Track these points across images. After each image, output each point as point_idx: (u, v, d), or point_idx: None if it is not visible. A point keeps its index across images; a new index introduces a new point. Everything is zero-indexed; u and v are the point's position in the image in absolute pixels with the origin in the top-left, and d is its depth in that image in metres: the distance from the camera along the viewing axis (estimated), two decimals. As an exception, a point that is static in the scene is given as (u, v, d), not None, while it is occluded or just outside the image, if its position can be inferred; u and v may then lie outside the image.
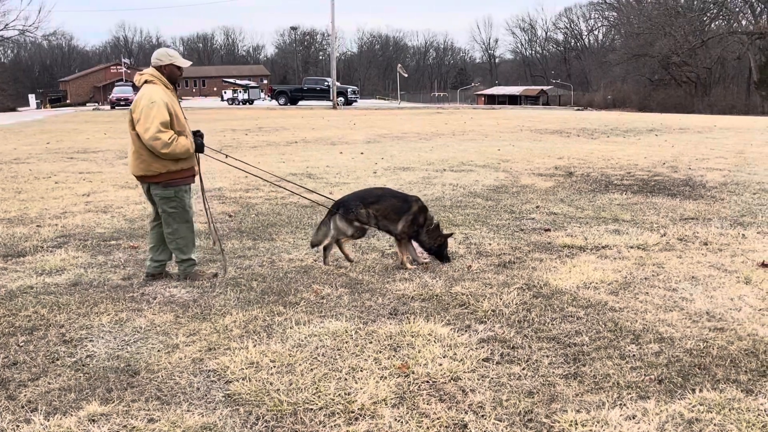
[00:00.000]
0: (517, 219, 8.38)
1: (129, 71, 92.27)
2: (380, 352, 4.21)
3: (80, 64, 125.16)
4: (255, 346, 4.28)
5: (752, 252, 6.56)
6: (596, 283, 5.58)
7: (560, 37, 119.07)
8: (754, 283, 5.53)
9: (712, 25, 70.47)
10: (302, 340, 4.39)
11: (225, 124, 30.41)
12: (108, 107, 55.46)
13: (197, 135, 5.75)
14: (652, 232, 7.51)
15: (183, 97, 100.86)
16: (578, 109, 61.63)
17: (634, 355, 4.12)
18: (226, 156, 6.55)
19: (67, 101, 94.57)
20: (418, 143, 19.69)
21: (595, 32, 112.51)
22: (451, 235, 6.57)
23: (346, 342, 4.36)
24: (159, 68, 5.60)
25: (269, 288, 5.53)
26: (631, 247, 6.83)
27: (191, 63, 6.25)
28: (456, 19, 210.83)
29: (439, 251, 6.37)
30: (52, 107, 69.18)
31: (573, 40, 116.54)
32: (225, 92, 67.73)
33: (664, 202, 9.42)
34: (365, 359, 4.09)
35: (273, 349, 4.23)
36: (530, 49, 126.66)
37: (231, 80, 73.64)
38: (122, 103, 53.73)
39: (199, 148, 5.74)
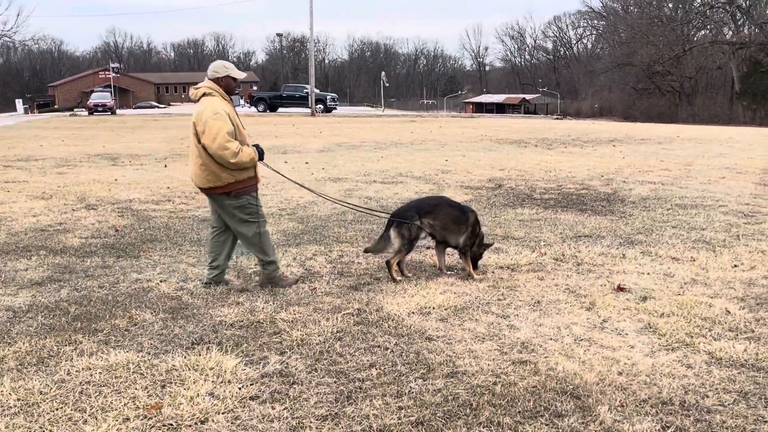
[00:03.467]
0: (408, 235, 8.08)
1: (117, 76, 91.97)
2: (146, 388, 3.91)
3: (70, 69, 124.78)
4: (12, 381, 3.97)
5: (620, 274, 6.29)
6: (432, 308, 5.29)
7: (549, 45, 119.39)
8: (595, 310, 5.26)
9: (696, 36, 70.41)
10: (71, 375, 4.09)
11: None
12: (86, 113, 54.86)
13: (256, 146, 5.81)
14: (533, 251, 7.23)
15: (171, 104, 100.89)
16: (557, 118, 61.47)
17: (412, 393, 3.84)
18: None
19: (55, 106, 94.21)
20: (370, 153, 19.43)
21: (584, 41, 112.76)
22: (491, 244, 6.67)
23: (118, 377, 4.07)
24: (216, 80, 5.70)
25: (85, 313, 5.24)
26: (500, 267, 6.55)
27: (246, 75, 6.22)
28: (446, 26, 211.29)
29: (476, 260, 6.39)
30: (39, 112, 68.66)
31: (562, 49, 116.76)
32: (206, 99, 67.32)
33: (569, 218, 9.14)
34: (123, 398, 3.80)
35: (29, 385, 3.93)
36: (519, 58, 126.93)
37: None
38: (100, 109, 53.21)
39: (260, 156, 5.80)
